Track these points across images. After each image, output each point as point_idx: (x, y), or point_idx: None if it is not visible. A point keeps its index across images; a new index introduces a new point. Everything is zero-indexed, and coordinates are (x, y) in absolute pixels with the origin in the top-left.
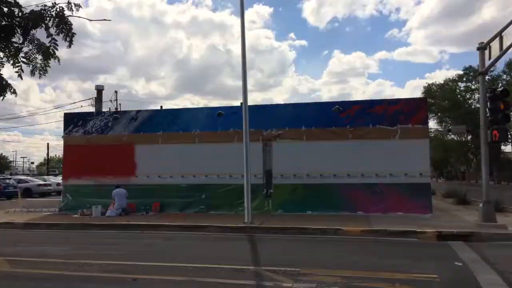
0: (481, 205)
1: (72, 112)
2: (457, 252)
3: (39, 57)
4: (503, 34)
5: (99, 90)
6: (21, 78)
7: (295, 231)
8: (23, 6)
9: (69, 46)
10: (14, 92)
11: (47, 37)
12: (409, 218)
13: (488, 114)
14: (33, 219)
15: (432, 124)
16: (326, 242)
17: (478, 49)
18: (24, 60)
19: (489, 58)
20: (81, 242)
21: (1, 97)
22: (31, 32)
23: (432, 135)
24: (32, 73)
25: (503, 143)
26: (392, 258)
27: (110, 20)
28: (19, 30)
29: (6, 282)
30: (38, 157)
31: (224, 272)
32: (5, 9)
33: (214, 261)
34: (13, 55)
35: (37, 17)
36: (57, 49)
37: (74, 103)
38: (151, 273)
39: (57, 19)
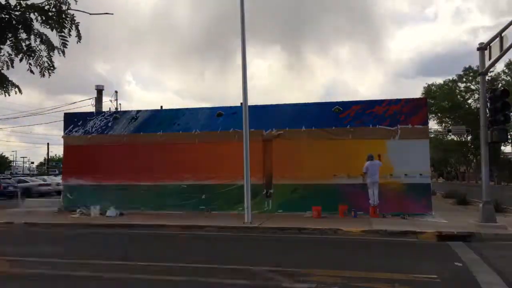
0: (481, 205)
1: (73, 112)
2: (457, 252)
3: (45, 52)
4: (503, 34)
5: (99, 90)
6: (32, 73)
7: (294, 231)
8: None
9: (79, 39)
10: (19, 90)
11: (52, 30)
12: (409, 219)
13: (488, 115)
14: (33, 219)
15: (432, 124)
16: (325, 242)
17: (478, 49)
18: (29, 53)
19: (489, 59)
20: (80, 242)
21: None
22: (33, 26)
23: (432, 135)
24: (42, 74)
25: (503, 143)
26: (392, 259)
27: (112, 14)
28: (20, 26)
29: (6, 282)
30: (39, 156)
31: (224, 272)
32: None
33: (214, 261)
34: (19, 50)
35: (39, 9)
36: (67, 41)
37: (75, 103)
38: (151, 273)
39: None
